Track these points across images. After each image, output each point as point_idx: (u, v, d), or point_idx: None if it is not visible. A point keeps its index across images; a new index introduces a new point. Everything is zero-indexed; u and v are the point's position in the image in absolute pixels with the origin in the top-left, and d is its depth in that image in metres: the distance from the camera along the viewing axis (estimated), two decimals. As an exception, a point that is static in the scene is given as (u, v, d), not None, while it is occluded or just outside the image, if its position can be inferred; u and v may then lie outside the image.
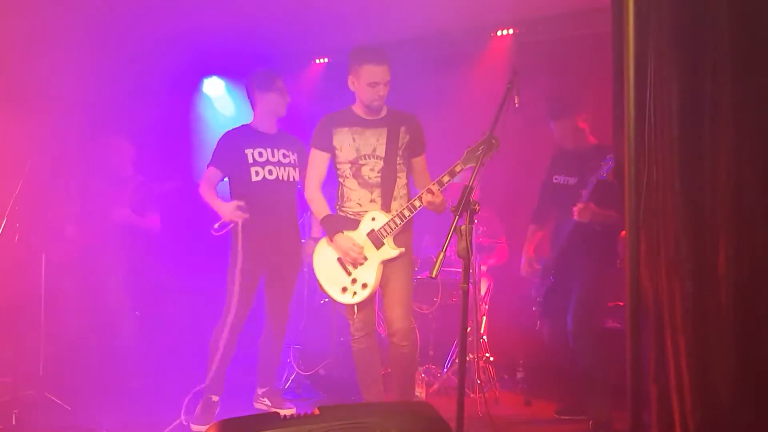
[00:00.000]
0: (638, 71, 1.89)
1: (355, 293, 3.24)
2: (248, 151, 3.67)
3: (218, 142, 3.77)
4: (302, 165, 3.64)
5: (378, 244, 3.22)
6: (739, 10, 1.95)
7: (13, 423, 3.44)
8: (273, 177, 3.68)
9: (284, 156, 3.74)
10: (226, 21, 4.67)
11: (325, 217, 3.29)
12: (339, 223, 3.28)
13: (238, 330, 3.64)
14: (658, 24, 2.04)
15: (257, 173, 3.67)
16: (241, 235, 3.50)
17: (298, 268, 3.91)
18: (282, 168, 3.72)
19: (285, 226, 3.77)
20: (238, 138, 3.73)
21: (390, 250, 3.21)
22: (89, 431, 3.41)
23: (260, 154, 3.68)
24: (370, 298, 3.28)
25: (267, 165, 3.69)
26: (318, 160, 3.34)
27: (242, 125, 3.82)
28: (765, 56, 1.93)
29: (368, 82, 3.20)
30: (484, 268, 4.72)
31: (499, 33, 5.04)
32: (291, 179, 3.75)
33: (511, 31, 5.00)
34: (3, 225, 3.55)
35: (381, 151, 3.26)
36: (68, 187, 4.46)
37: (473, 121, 3.96)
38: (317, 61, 5.86)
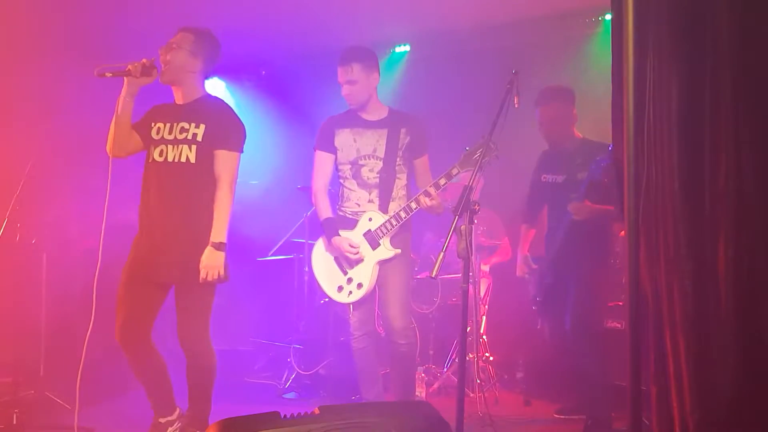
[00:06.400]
0: (638, 71, 1.89)
1: (350, 292, 3.27)
2: None
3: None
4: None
5: (374, 244, 3.24)
6: (739, 10, 1.95)
7: (14, 423, 3.44)
8: None
9: None
10: (226, 22, 4.68)
11: (325, 219, 3.32)
12: (338, 225, 3.31)
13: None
14: (657, 24, 2.05)
15: None
16: None
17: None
18: None
19: None
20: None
21: (386, 251, 3.23)
22: (89, 431, 3.41)
23: None
24: (367, 298, 3.30)
25: None
26: (322, 162, 3.37)
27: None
28: (765, 56, 1.93)
29: (339, 81, 3.29)
30: (486, 267, 4.72)
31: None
32: None
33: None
34: (3, 225, 3.55)
35: (381, 151, 3.28)
36: (71, 185, 4.46)
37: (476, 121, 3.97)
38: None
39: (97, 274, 2.82)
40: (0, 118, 4.22)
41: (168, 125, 3.00)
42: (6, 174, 3.75)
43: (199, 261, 2.93)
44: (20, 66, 4.31)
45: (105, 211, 2.86)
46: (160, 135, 3.01)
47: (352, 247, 3.22)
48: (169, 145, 2.98)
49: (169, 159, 2.96)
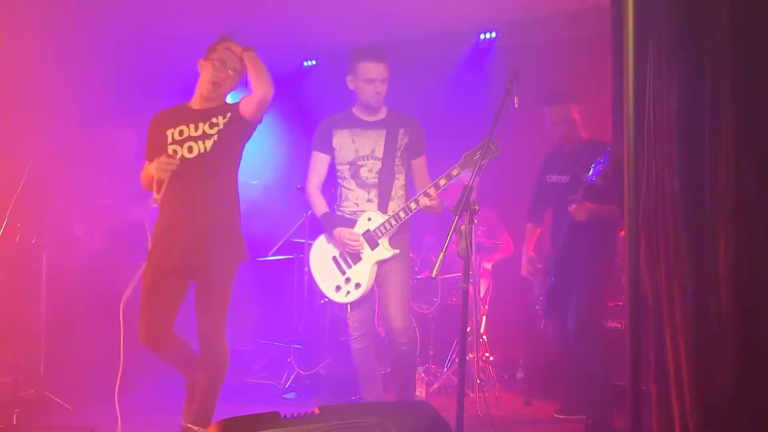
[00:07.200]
0: (638, 71, 1.89)
1: (348, 292, 3.27)
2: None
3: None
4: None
5: (373, 244, 3.24)
6: (740, 10, 1.95)
7: (14, 422, 3.44)
8: None
9: None
10: (226, 21, 4.68)
11: (323, 214, 3.33)
12: (337, 220, 3.31)
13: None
14: (657, 23, 2.04)
15: None
16: None
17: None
18: None
19: None
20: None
21: (384, 251, 3.23)
22: (89, 431, 3.41)
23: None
24: (366, 298, 3.30)
25: None
26: (318, 162, 3.37)
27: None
28: (765, 56, 1.93)
29: (365, 79, 3.24)
30: (488, 265, 4.72)
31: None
32: None
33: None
34: (3, 225, 3.55)
35: (379, 152, 3.29)
36: (73, 185, 4.46)
37: (474, 121, 3.97)
38: (305, 63, 5.90)
39: (140, 273, 2.87)
40: (0, 117, 4.22)
41: (193, 125, 3.02)
42: (6, 174, 3.75)
43: (219, 255, 2.98)
44: (20, 66, 4.31)
45: (148, 213, 2.89)
46: (184, 135, 3.02)
47: (352, 235, 3.21)
48: (198, 141, 2.99)
49: (194, 154, 2.99)
